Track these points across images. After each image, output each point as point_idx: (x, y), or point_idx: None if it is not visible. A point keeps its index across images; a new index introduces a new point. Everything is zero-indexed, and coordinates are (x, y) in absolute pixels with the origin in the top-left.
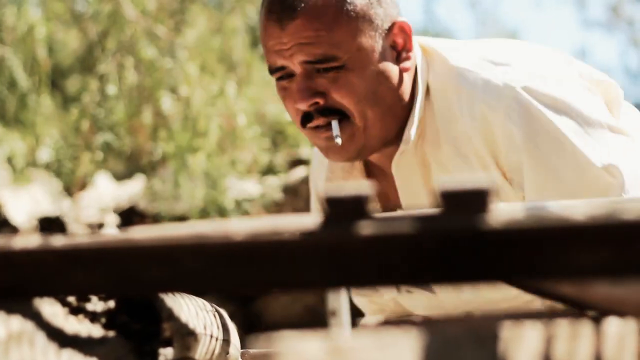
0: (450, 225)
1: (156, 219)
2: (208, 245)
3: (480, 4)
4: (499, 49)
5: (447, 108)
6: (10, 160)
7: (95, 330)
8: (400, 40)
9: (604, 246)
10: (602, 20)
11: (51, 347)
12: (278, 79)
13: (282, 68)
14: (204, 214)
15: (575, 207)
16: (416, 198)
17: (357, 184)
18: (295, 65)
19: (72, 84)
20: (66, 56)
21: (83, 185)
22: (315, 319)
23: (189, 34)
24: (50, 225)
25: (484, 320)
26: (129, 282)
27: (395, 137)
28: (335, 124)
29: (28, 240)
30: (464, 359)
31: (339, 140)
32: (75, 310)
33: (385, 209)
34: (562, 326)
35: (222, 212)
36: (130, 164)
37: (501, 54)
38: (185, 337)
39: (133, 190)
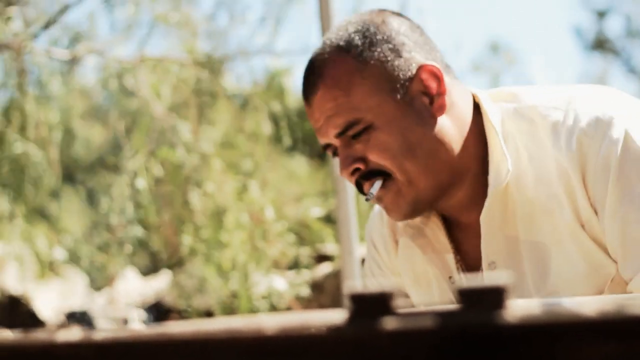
0: (469, 321)
1: (183, 314)
2: (241, 340)
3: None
4: (583, 91)
5: (538, 147)
6: (37, 255)
7: None
8: (431, 84)
9: (611, 340)
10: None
11: None
12: (333, 156)
13: (328, 145)
14: (230, 309)
15: (587, 303)
16: (499, 250)
17: (381, 283)
18: (332, 139)
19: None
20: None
21: (110, 280)
22: None
23: (213, 130)
24: (77, 320)
25: None
26: None
27: (464, 185)
28: (377, 184)
29: (69, 334)
30: None
31: (370, 197)
32: None
33: (467, 267)
34: None
35: (249, 307)
36: (157, 260)
37: (583, 94)
38: None
39: (159, 285)
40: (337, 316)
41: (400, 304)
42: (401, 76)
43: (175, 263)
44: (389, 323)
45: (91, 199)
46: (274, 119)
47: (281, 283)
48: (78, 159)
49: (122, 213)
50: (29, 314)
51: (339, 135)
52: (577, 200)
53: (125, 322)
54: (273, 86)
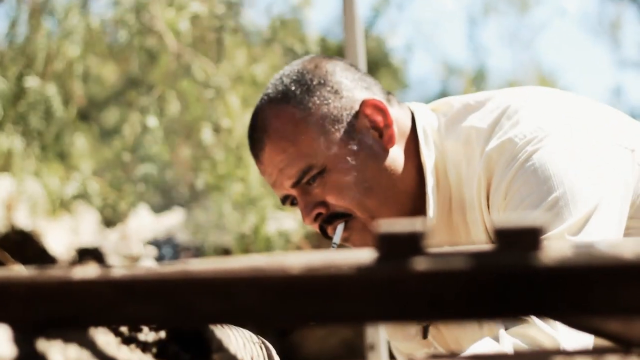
0: (503, 262)
1: (196, 250)
2: (264, 279)
3: (518, 42)
4: (524, 102)
5: (458, 174)
6: (49, 192)
7: None
8: (377, 118)
9: None
10: (637, 60)
11: None
12: (292, 205)
13: (286, 197)
14: (246, 246)
15: (624, 245)
16: None
17: (411, 220)
18: (289, 190)
19: (110, 117)
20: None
21: (122, 218)
22: (351, 352)
23: (229, 65)
24: (89, 256)
25: (535, 356)
26: (184, 314)
27: (423, 206)
28: (339, 229)
29: (87, 271)
30: None
31: (335, 245)
32: (127, 340)
33: None
34: None
35: (265, 244)
36: (169, 197)
37: (521, 107)
38: None
39: (172, 222)
40: (366, 256)
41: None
42: (345, 115)
43: (190, 199)
44: (420, 263)
45: (105, 136)
46: (292, 54)
47: (290, 222)
48: (92, 96)
49: (135, 150)
50: (40, 250)
51: (295, 185)
52: (482, 209)
53: (137, 259)
54: (291, 22)
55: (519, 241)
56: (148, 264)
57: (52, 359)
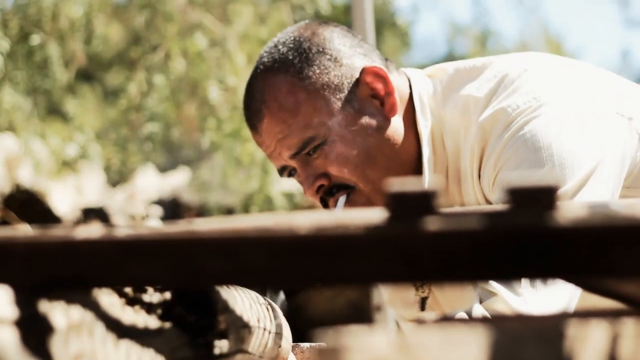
0: (517, 222)
1: (201, 210)
2: (272, 239)
3: (526, 3)
4: (521, 69)
5: (456, 143)
6: (53, 152)
7: (152, 322)
8: (378, 86)
9: None
10: None
11: (109, 338)
12: (289, 177)
13: (284, 168)
14: (251, 205)
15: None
16: None
17: (419, 180)
18: (288, 161)
19: (116, 77)
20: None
21: (128, 177)
22: (358, 313)
23: (235, 24)
24: (94, 216)
25: (549, 319)
26: (190, 274)
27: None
28: (341, 201)
29: (90, 230)
30: (529, 358)
31: None
32: (131, 301)
33: None
34: (628, 325)
35: (270, 204)
36: (175, 156)
37: (518, 76)
38: (239, 329)
39: (178, 181)
40: (375, 216)
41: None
42: (346, 84)
43: (195, 159)
44: (432, 223)
45: (110, 96)
46: (300, 13)
47: (294, 183)
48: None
49: (140, 109)
50: (45, 210)
51: (294, 155)
52: (474, 180)
53: (143, 218)
54: None
55: (533, 200)
56: (153, 224)
57: (54, 321)
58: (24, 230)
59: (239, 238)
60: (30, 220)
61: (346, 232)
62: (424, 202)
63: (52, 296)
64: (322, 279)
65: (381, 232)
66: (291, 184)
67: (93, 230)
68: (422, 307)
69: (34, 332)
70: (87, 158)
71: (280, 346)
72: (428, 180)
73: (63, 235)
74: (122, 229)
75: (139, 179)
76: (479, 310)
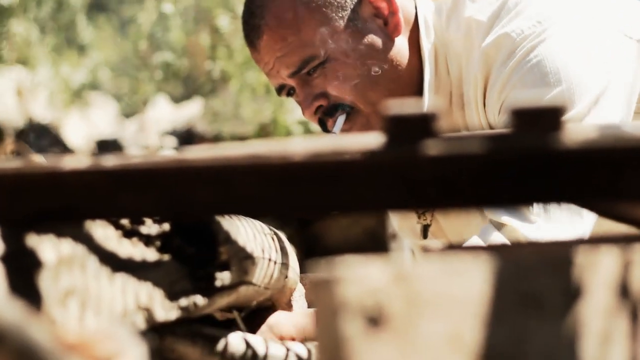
0: (522, 144)
1: (216, 140)
2: (265, 166)
3: None
4: None
5: (459, 68)
6: (66, 83)
7: (150, 254)
8: (381, 4)
9: None
10: None
11: (104, 272)
12: (288, 96)
13: (282, 87)
14: (266, 134)
15: None
16: None
17: (420, 102)
18: (286, 80)
19: (128, 7)
20: None
21: (141, 108)
22: (375, 242)
23: None
24: (108, 148)
25: (558, 246)
26: (180, 204)
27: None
28: (339, 120)
29: (78, 160)
30: (537, 286)
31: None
32: (129, 234)
33: None
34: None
35: (285, 133)
36: (188, 86)
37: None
38: (242, 260)
39: (191, 112)
40: (373, 140)
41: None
42: (349, 2)
43: (208, 89)
44: (432, 147)
45: (123, 27)
46: None
47: None
48: None
49: (151, 38)
50: (58, 142)
51: (294, 74)
52: (479, 108)
53: (158, 149)
54: None
55: (538, 122)
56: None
57: (42, 256)
58: (8, 161)
59: (230, 166)
60: (43, 153)
61: (343, 158)
62: (424, 124)
63: (40, 229)
64: (318, 206)
65: (379, 157)
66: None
67: (80, 161)
68: (425, 235)
69: (21, 267)
70: (100, 89)
71: (287, 277)
72: (428, 102)
73: (50, 166)
74: (110, 158)
75: (152, 110)
76: (486, 240)
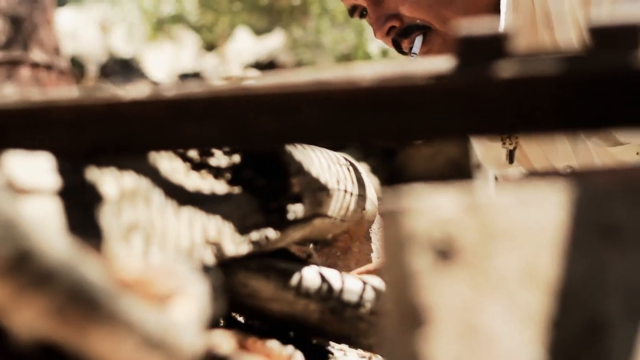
0: (599, 64)
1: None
2: (330, 93)
3: None
4: None
5: None
6: (146, 16)
7: (219, 187)
8: None
9: None
10: None
11: (170, 205)
12: (361, 17)
13: (355, 8)
14: (347, 63)
15: None
16: None
17: (495, 21)
18: (359, 0)
19: None
20: None
21: (222, 41)
22: (459, 172)
23: None
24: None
25: (637, 171)
26: (243, 133)
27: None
28: (417, 41)
29: (138, 90)
30: (615, 214)
31: (414, 57)
32: (197, 166)
33: None
34: None
35: (367, 60)
36: (269, 17)
37: None
38: (316, 192)
39: (272, 43)
40: (444, 64)
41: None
42: None
43: (289, 19)
44: (505, 69)
45: None
46: None
47: None
48: None
49: None
50: (140, 75)
51: None
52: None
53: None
54: None
55: (618, 40)
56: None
57: (104, 190)
58: (67, 92)
59: (294, 93)
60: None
61: (412, 83)
62: (497, 45)
63: (100, 163)
64: (386, 134)
65: (450, 81)
66: (381, 45)
67: (140, 91)
68: (511, 160)
69: (81, 202)
70: (183, 20)
71: (364, 209)
72: (505, 21)
73: (109, 97)
74: (170, 88)
75: (233, 42)
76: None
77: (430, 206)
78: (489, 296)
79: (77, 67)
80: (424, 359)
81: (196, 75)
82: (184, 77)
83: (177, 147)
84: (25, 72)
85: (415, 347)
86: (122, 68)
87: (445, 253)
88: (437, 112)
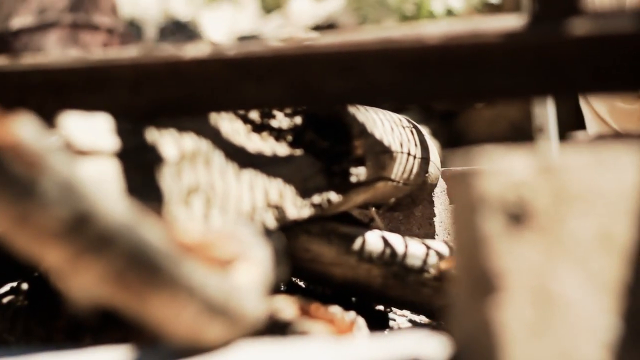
0: None
1: None
2: (398, 52)
3: None
4: None
5: None
6: None
7: (281, 149)
8: None
9: None
10: None
11: (230, 168)
12: None
13: None
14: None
15: None
16: None
17: None
18: None
19: None
20: None
21: (283, 3)
22: (520, 135)
23: None
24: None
25: None
26: (307, 93)
27: None
28: None
29: (199, 49)
30: None
31: None
32: (258, 128)
33: None
34: None
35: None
36: None
37: None
38: (379, 155)
39: (333, 5)
40: (514, 21)
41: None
42: None
43: None
44: (579, 26)
45: None
46: None
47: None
48: None
49: None
50: (198, 38)
51: None
52: None
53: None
54: None
55: None
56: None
57: (164, 152)
58: (126, 52)
59: (361, 52)
60: None
61: (482, 41)
62: (570, 2)
63: (161, 123)
64: (455, 94)
65: (521, 38)
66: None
67: (201, 49)
68: None
69: (140, 164)
70: None
71: (427, 172)
72: None
73: (169, 56)
74: (232, 47)
75: (293, 4)
76: None
77: (503, 168)
78: (562, 262)
79: (135, 30)
80: (496, 327)
81: (255, 38)
82: (243, 39)
83: (239, 107)
84: (85, 35)
85: (486, 315)
86: (180, 31)
87: (518, 217)
88: (508, 71)
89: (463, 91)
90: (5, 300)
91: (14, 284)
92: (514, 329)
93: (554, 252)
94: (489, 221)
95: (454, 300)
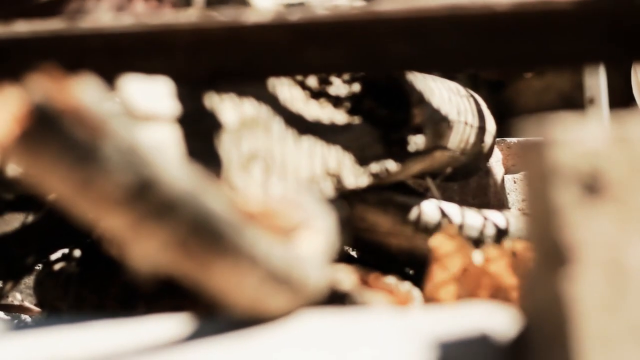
0: None
1: None
2: (465, 17)
3: None
4: None
5: None
6: None
7: (339, 116)
8: None
9: None
10: None
11: (289, 135)
12: None
13: None
14: None
15: None
16: None
17: None
18: None
19: None
20: None
21: None
22: (570, 106)
23: None
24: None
25: None
26: (371, 59)
27: None
28: None
29: (260, 14)
30: None
31: None
32: (316, 94)
33: None
34: None
35: None
36: None
37: None
38: (437, 123)
39: None
40: None
41: None
42: None
43: None
44: None
45: None
46: None
47: None
48: None
49: None
50: (244, 4)
51: None
52: None
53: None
54: None
55: None
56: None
57: (223, 117)
58: (186, 17)
59: (427, 18)
60: None
61: (552, 8)
62: None
63: (220, 89)
64: (524, 61)
65: (593, 5)
66: None
67: (263, 15)
68: None
69: (200, 130)
70: None
71: (483, 142)
72: None
73: (230, 20)
74: (295, 11)
75: None
76: None
77: (577, 138)
78: (638, 234)
79: None
80: (569, 300)
81: (302, 5)
82: (290, 7)
83: (301, 72)
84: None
85: (558, 288)
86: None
87: (592, 187)
88: (578, 38)
89: (531, 58)
90: (57, 267)
91: (66, 250)
92: (587, 303)
93: (629, 224)
94: (562, 192)
95: (525, 273)
